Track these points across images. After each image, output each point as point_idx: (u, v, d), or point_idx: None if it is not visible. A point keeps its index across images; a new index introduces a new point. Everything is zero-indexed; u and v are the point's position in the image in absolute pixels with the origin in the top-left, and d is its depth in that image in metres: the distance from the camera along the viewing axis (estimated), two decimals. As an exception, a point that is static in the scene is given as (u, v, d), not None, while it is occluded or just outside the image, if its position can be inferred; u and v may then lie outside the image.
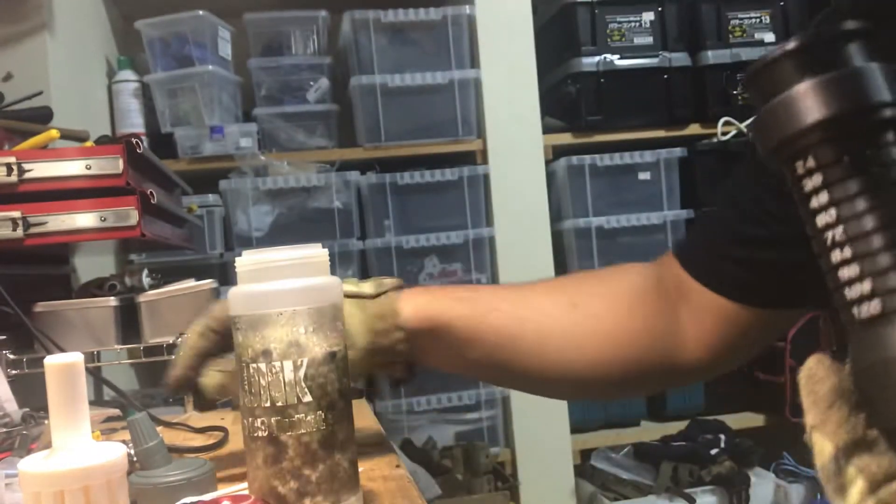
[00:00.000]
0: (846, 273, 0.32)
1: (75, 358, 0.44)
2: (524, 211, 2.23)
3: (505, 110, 2.23)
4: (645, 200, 2.32)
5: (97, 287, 1.15)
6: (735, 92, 2.33)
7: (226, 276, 1.97)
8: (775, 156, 0.35)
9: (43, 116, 1.36)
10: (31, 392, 0.91)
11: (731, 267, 0.68)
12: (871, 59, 0.34)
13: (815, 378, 0.34)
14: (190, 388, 0.65)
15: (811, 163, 0.33)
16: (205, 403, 0.67)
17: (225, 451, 0.84)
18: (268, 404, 0.54)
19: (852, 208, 0.32)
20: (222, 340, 0.65)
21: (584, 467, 2.26)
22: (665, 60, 2.32)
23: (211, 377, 0.65)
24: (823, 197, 0.33)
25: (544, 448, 2.21)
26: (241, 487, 0.61)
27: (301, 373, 0.54)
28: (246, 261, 0.57)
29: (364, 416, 0.95)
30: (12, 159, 1.01)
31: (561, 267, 2.29)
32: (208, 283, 1.12)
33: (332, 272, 0.59)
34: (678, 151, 2.32)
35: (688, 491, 2.09)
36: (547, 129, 2.28)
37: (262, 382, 0.54)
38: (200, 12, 2.10)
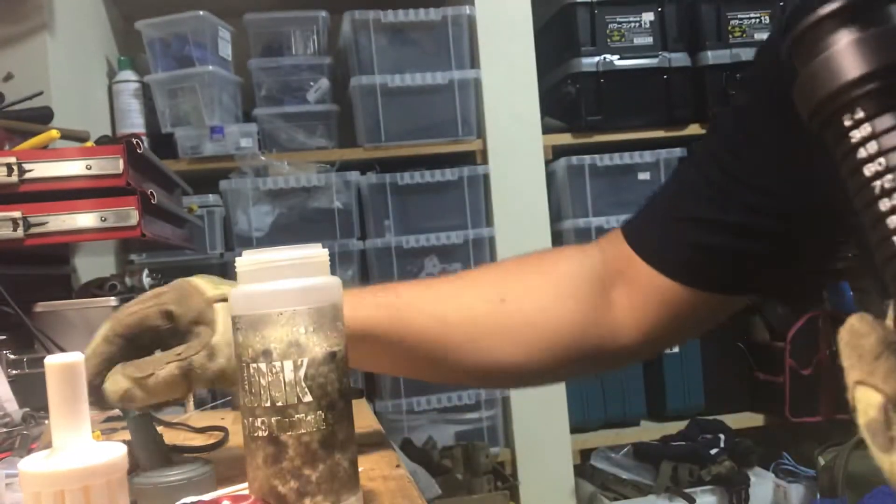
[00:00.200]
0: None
1: (75, 358, 0.44)
2: (524, 211, 2.24)
3: (505, 110, 2.23)
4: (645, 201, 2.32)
5: (97, 287, 1.15)
6: (734, 92, 2.33)
7: (226, 277, 1.96)
8: (818, 113, 0.36)
9: (43, 116, 1.36)
10: (32, 392, 0.91)
11: (677, 247, 0.67)
12: None
13: (859, 332, 0.33)
14: (92, 393, 0.62)
15: (860, 114, 0.34)
16: (107, 407, 0.63)
17: (225, 451, 0.84)
18: (268, 404, 0.54)
19: None
20: (128, 346, 0.64)
21: (583, 467, 2.26)
22: (665, 61, 2.32)
23: (114, 382, 0.62)
24: (872, 146, 0.33)
25: (544, 448, 2.22)
26: (241, 487, 0.61)
27: (301, 373, 0.54)
28: (246, 261, 0.57)
29: (364, 416, 0.95)
30: (13, 159, 1.02)
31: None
32: (208, 284, 1.12)
33: (332, 272, 0.59)
34: (678, 151, 2.32)
35: (687, 491, 2.09)
36: (547, 130, 2.28)
37: (263, 382, 0.55)
38: (200, 12, 2.10)
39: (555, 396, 2.22)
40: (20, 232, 1.02)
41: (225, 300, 0.65)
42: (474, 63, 2.25)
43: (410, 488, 0.65)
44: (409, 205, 2.21)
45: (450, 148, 2.24)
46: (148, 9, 2.14)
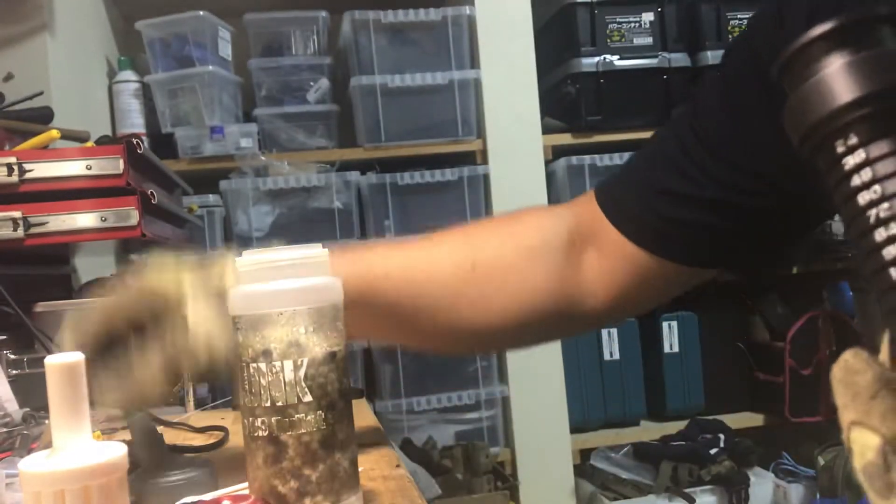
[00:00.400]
0: (893, 251, 0.31)
1: (76, 358, 0.44)
2: (524, 211, 2.23)
3: (505, 110, 2.23)
4: (645, 200, 2.32)
5: (98, 287, 1.15)
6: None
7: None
8: (810, 138, 0.34)
9: (43, 117, 1.36)
10: (32, 392, 0.91)
11: (647, 216, 0.67)
12: None
13: (854, 369, 0.31)
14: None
15: (853, 140, 0.32)
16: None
17: (225, 451, 0.84)
18: (268, 404, 0.55)
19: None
20: (99, 347, 0.61)
21: (583, 467, 2.26)
22: (665, 61, 2.32)
23: (99, 397, 0.59)
24: (867, 174, 0.32)
25: (544, 448, 2.22)
26: (241, 487, 0.61)
27: (301, 373, 0.54)
28: (246, 261, 0.57)
29: (364, 416, 0.95)
30: (13, 159, 1.02)
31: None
32: (208, 284, 1.12)
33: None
34: (678, 151, 2.32)
35: (687, 491, 2.09)
36: (547, 130, 2.28)
37: (263, 382, 0.55)
38: (201, 13, 2.10)
39: (555, 396, 2.22)
40: (20, 232, 1.02)
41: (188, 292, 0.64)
42: (474, 63, 2.25)
43: (410, 488, 0.65)
44: (409, 205, 2.21)
45: (450, 148, 2.24)
46: (148, 9, 2.14)
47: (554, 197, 2.31)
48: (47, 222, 1.03)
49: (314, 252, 0.58)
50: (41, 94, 1.41)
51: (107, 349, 0.62)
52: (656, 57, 2.32)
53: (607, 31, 2.31)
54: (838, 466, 2.01)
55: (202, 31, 2.13)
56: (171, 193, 1.41)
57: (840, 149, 0.33)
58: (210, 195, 2.12)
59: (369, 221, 2.20)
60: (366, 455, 0.73)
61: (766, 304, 2.40)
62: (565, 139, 2.32)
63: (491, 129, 2.23)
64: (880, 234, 0.31)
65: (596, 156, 2.29)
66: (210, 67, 2.10)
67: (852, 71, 0.33)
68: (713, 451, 2.16)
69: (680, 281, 0.70)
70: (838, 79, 0.33)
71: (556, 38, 2.38)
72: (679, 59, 2.33)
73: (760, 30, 0.63)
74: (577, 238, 0.71)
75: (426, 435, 2.15)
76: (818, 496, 2.15)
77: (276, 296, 0.55)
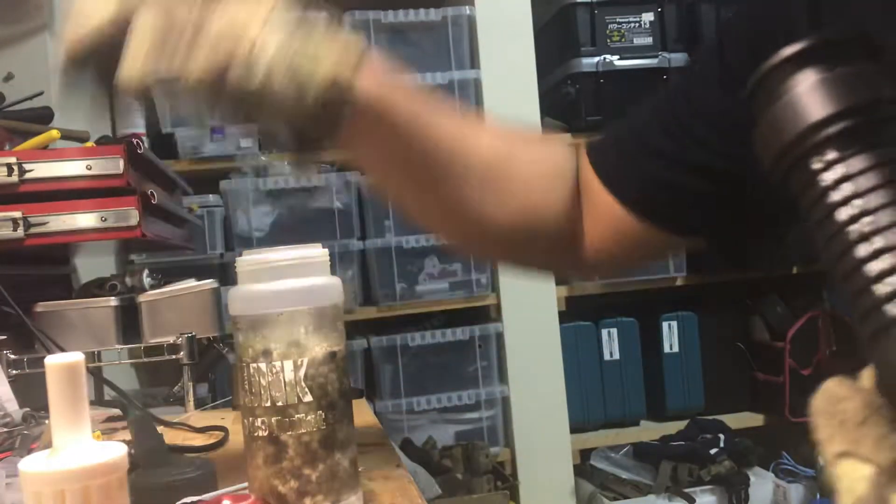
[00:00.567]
0: (877, 266, 0.29)
1: (76, 358, 0.44)
2: (524, 211, 2.24)
3: (505, 110, 2.23)
4: (645, 200, 2.32)
5: (98, 287, 1.15)
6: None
7: (226, 277, 1.97)
8: (783, 158, 0.33)
9: (43, 117, 1.36)
10: (32, 392, 0.92)
11: (634, 177, 0.66)
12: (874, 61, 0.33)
13: (839, 397, 0.29)
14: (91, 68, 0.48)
15: (831, 155, 0.31)
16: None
17: (225, 450, 0.84)
18: (268, 404, 0.55)
19: (882, 197, 0.30)
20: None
21: (583, 467, 2.26)
22: (664, 61, 2.32)
23: (131, 66, 0.48)
24: (847, 188, 0.30)
25: (544, 448, 2.22)
26: (241, 487, 0.61)
27: (301, 373, 0.54)
28: (246, 261, 0.57)
29: (364, 416, 0.95)
30: (13, 159, 1.02)
31: (561, 267, 2.29)
32: (209, 284, 1.13)
33: (332, 272, 0.59)
34: (678, 152, 2.32)
35: (687, 490, 2.09)
36: (547, 130, 2.28)
37: (263, 382, 0.55)
38: (201, 12, 2.10)
39: (555, 396, 2.22)
40: (20, 232, 1.02)
41: None
42: (474, 63, 2.25)
43: (410, 488, 0.65)
44: (409, 205, 2.21)
45: (450, 148, 2.23)
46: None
47: (554, 197, 2.31)
48: (47, 222, 1.03)
49: (314, 252, 0.58)
50: (41, 94, 1.41)
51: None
52: (656, 57, 2.32)
53: (607, 31, 2.31)
54: (838, 466, 2.01)
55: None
56: (171, 193, 1.41)
57: (816, 165, 0.32)
58: (210, 195, 2.12)
59: (369, 221, 2.20)
60: (366, 455, 0.73)
61: (766, 304, 2.40)
62: (565, 139, 2.32)
63: (491, 129, 2.23)
64: (864, 250, 0.30)
65: (596, 156, 2.29)
66: (210, 67, 2.10)
67: (827, 87, 0.32)
68: (713, 451, 2.16)
69: (657, 245, 0.69)
70: (812, 96, 0.32)
71: (555, 38, 2.38)
72: (679, 59, 2.33)
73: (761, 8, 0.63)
74: (576, 182, 0.71)
75: (426, 435, 2.15)
76: (818, 496, 2.15)
77: (276, 296, 0.55)
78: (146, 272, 1.18)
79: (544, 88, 2.29)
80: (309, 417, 0.55)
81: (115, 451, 0.44)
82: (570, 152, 0.73)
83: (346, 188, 2.18)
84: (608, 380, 2.31)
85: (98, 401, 1.04)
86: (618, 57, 2.30)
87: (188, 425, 0.95)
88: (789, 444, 2.29)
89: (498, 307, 2.23)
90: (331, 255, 0.59)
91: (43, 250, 1.10)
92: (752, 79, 0.35)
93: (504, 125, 0.74)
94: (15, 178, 1.01)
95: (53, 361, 0.43)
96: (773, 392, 2.33)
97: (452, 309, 2.22)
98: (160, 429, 0.72)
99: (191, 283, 1.13)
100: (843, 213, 0.30)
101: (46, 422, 0.81)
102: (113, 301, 1.09)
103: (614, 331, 2.32)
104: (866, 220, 0.30)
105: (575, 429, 2.26)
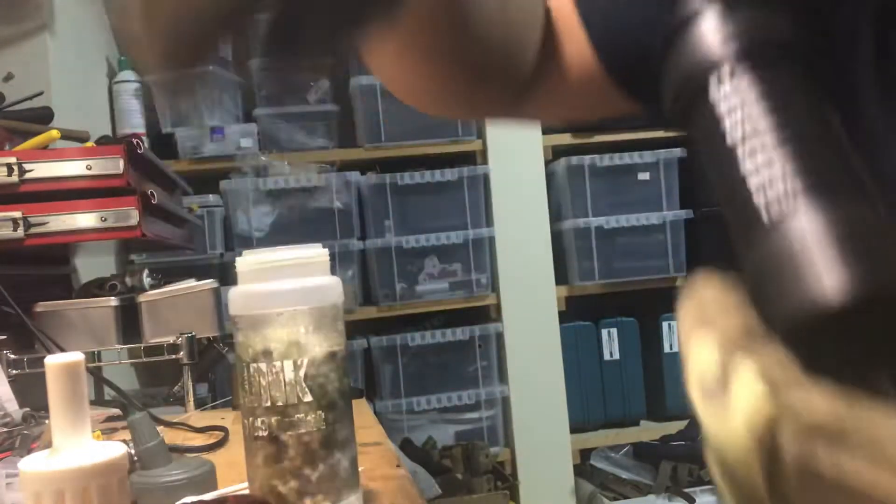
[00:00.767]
0: (757, 180, 0.30)
1: (76, 358, 0.44)
2: (524, 211, 2.24)
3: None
4: (644, 200, 2.32)
5: (98, 287, 1.16)
6: None
7: (226, 277, 1.97)
8: (685, 88, 0.34)
9: (43, 117, 1.36)
10: (32, 392, 0.92)
11: (611, 22, 0.60)
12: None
13: (702, 285, 0.28)
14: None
15: (726, 85, 0.32)
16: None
17: (225, 450, 0.84)
18: (268, 404, 0.55)
19: (769, 119, 0.31)
20: None
21: (583, 467, 2.26)
22: (665, 60, 2.31)
23: None
24: (737, 115, 0.32)
25: (544, 448, 2.22)
26: (241, 487, 0.61)
27: (301, 373, 0.54)
28: (246, 261, 0.57)
29: (364, 416, 0.95)
30: (13, 159, 1.02)
31: (561, 267, 2.29)
32: (208, 284, 1.13)
33: (332, 272, 0.59)
34: (678, 151, 2.32)
35: (687, 490, 2.09)
36: (547, 130, 2.28)
37: (263, 382, 0.55)
38: (201, 12, 2.10)
39: (555, 396, 2.22)
40: (20, 232, 1.02)
41: None
42: (474, 63, 2.24)
43: (410, 488, 0.65)
44: (409, 205, 2.21)
45: (450, 148, 2.24)
46: (148, 9, 2.14)
47: (554, 197, 2.31)
48: (47, 222, 1.03)
49: (314, 252, 0.58)
50: (41, 94, 1.41)
51: None
52: (656, 57, 2.32)
53: (607, 31, 2.31)
54: (838, 466, 2.01)
55: (202, 31, 2.12)
56: (171, 193, 1.41)
57: (714, 94, 0.32)
58: (210, 195, 2.12)
59: (369, 221, 2.20)
60: (366, 455, 0.73)
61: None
62: (565, 139, 2.32)
63: (491, 129, 2.23)
64: (750, 164, 0.30)
65: (596, 156, 2.29)
66: (210, 67, 2.10)
67: (722, 17, 0.33)
68: (713, 451, 2.15)
69: (606, 101, 0.64)
70: (710, 25, 0.33)
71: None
72: (679, 59, 2.33)
73: None
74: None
75: (426, 435, 2.15)
76: (818, 496, 2.15)
77: (276, 296, 0.55)
78: (146, 272, 1.18)
79: (544, 88, 2.29)
80: (309, 417, 0.55)
81: (115, 451, 0.44)
82: None
83: (346, 188, 2.18)
84: (608, 380, 2.32)
85: (98, 401, 1.04)
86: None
87: (188, 425, 0.95)
88: (789, 444, 2.29)
89: (498, 307, 2.23)
90: (331, 255, 0.59)
91: (43, 250, 1.10)
92: (663, 43, 0.35)
93: None
94: (15, 178, 1.01)
95: (53, 361, 0.43)
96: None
97: (452, 309, 2.23)
98: (160, 429, 0.72)
99: (191, 283, 1.13)
100: (731, 129, 0.31)
101: (46, 422, 0.81)
102: (113, 301, 1.09)
103: (614, 331, 2.32)
104: (756, 140, 0.31)
105: (575, 429, 2.26)
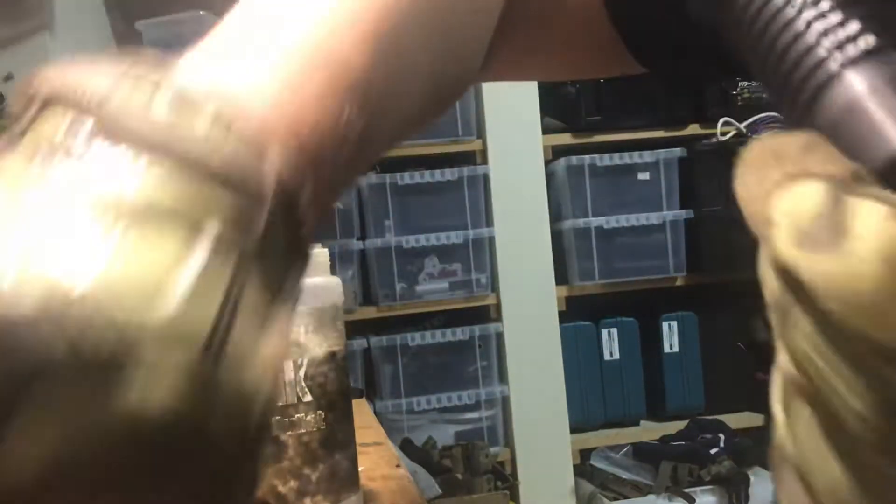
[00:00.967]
0: (827, 21, 0.27)
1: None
2: (524, 211, 2.24)
3: (505, 110, 2.23)
4: (644, 200, 2.33)
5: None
6: (734, 92, 2.33)
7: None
8: None
9: (43, 117, 1.36)
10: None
11: None
12: None
13: (770, 141, 0.23)
14: None
15: None
16: None
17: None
18: (268, 404, 0.55)
19: None
20: None
21: (583, 467, 2.26)
22: (665, 60, 2.32)
23: None
24: None
25: (544, 448, 2.22)
26: (241, 487, 0.61)
27: (301, 372, 0.54)
28: (246, 261, 0.57)
29: (364, 416, 0.95)
30: (13, 159, 1.02)
31: (561, 267, 2.29)
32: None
33: (332, 272, 0.59)
34: (678, 151, 2.32)
35: (687, 490, 2.09)
36: (546, 130, 2.28)
37: (263, 382, 0.55)
38: (201, 13, 2.10)
39: (555, 396, 2.22)
40: (20, 232, 1.02)
41: None
42: (474, 63, 2.24)
43: (410, 488, 0.65)
44: (409, 205, 2.21)
45: (450, 148, 2.24)
46: (148, 9, 2.14)
47: (554, 197, 2.31)
48: (47, 222, 1.03)
49: (314, 252, 0.58)
50: (41, 94, 1.41)
51: None
52: (656, 57, 2.32)
53: (607, 31, 2.31)
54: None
55: (202, 32, 2.11)
56: (171, 193, 1.41)
57: None
58: (210, 195, 2.12)
59: (369, 221, 2.20)
60: (366, 455, 0.73)
61: (766, 303, 2.40)
62: (565, 139, 2.32)
63: (491, 129, 2.23)
64: (809, 13, 0.27)
65: (596, 156, 2.29)
66: (210, 67, 2.10)
67: None
68: (713, 451, 2.16)
69: (607, 53, 0.59)
70: None
71: (555, 38, 2.38)
72: (679, 58, 2.33)
73: None
74: None
75: (426, 435, 2.15)
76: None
77: (276, 296, 0.55)
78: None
79: (544, 88, 2.29)
80: (309, 417, 0.55)
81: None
82: None
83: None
84: (608, 380, 2.32)
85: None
86: (618, 57, 2.30)
87: (188, 425, 0.95)
88: (789, 444, 2.29)
89: (498, 307, 2.23)
90: (331, 254, 0.59)
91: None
92: None
93: None
94: (15, 177, 1.01)
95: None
96: (773, 392, 2.33)
97: (452, 309, 2.23)
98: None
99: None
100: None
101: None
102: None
103: (614, 331, 2.32)
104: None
105: (575, 429, 2.26)
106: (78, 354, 0.20)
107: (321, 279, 0.57)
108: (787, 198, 0.22)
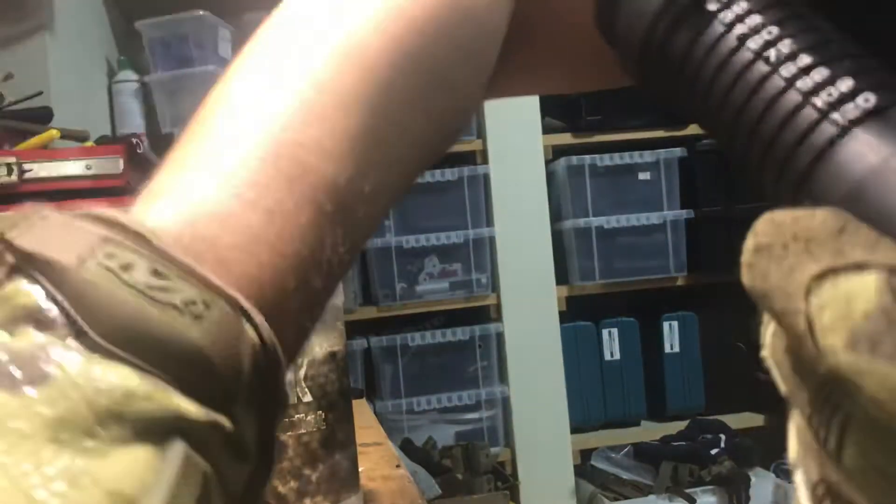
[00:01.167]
0: (811, 80, 0.24)
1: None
2: (524, 211, 2.24)
3: (505, 110, 2.23)
4: (645, 200, 2.32)
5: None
6: None
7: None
8: (662, 18, 0.28)
9: (43, 116, 1.36)
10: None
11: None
12: None
13: (790, 219, 0.20)
14: None
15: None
16: None
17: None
18: (268, 404, 0.55)
19: (795, 24, 0.26)
20: None
21: (583, 467, 2.26)
22: (665, 60, 2.32)
23: None
24: (754, 19, 0.26)
25: (544, 448, 2.22)
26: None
27: (301, 373, 0.54)
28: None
29: (364, 416, 0.95)
30: (13, 159, 1.02)
31: (561, 267, 2.29)
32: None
33: (332, 272, 0.59)
34: (678, 151, 2.32)
35: (688, 491, 2.09)
36: (547, 129, 2.28)
37: (262, 382, 0.55)
38: (201, 13, 2.10)
39: (555, 396, 2.22)
40: (20, 232, 1.02)
41: None
42: (474, 63, 2.24)
43: (410, 488, 0.65)
44: (409, 205, 2.21)
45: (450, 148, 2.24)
46: (148, 9, 2.14)
47: (554, 197, 2.31)
48: (47, 222, 1.03)
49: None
50: (41, 93, 1.41)
51: None
52: (656, 57, 2.32)
53: (607, 31, 2.31)
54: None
55: (202, 31, 2.12)
56: (171, 193, 1.41)
57: (712, 6, 0.27)
58: (210, 195, 2.12)
59: (369, 221, 2.20)
60: (366, 455, 0.73)
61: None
62: (565, 139, 2.32)
63: (491, 129, 2.23)
64: (788, 69, 0.25)
65: (596, 156, 2.29)
66: (210, 67, 2.10)
67: None
68: (714, 452, 2.16)
69: (603, 68, 0.59)
70: None
71: (556, 37, 2.38)
72: (679, 58, 2.33)
73: None
74: None
75: (426, 435, 2.15)
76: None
77: (276, 296, 0.55)
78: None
79: (544, 88, 2.29)
80: (309, 417, 0.54)
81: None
82: None
83: (347, 188, 2.18)
84: (608, 380, 2.31)
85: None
86: (618, 57, 2.30)
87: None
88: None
89: (498, 307, 2.23)
90: (331, 254, 0.59)
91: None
92: None
93: None
94: (15, 177, 1.01)
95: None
96: (774, 392, 2.31)
97: (452, 309, 2.22)
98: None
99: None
100: (753, 43, 0.26)
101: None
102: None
103: (615, 331, 2.32)
104: (785, 42, 0.25)
105: (575, 429, 2.26)
106: None
107: (321, 279, 0.57)
108: (833, 294, 0.19)
